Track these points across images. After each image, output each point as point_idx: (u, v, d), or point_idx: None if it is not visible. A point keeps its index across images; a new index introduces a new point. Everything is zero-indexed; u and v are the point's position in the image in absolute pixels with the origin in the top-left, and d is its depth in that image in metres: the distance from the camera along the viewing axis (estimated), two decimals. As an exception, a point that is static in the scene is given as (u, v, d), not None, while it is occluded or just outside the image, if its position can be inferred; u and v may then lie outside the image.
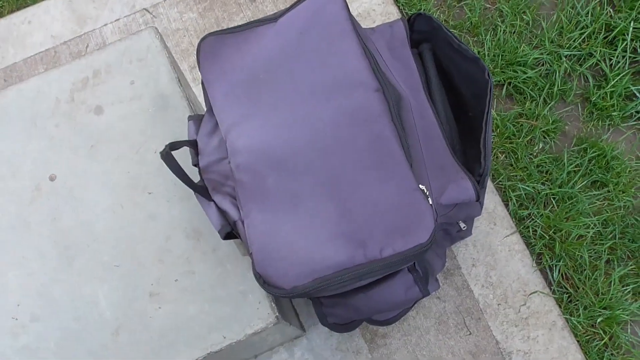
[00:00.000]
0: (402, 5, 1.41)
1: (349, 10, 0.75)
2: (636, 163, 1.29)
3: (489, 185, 1.23)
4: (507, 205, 1.24)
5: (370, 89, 0.70)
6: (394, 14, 1.38)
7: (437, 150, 0.78)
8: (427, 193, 0.69)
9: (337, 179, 0.67)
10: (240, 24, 1.36)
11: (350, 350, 1.12)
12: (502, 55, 1.35)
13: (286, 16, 0.75)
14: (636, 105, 1.31)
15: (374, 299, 0.78)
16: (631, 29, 1.32)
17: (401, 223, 0.66)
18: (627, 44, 1.33)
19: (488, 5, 1.43)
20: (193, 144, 0.73)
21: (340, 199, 0.67)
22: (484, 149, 0.77)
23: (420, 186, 0.68)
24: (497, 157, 1.28)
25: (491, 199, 1.22)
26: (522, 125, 1.30)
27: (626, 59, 1.33)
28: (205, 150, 0.73)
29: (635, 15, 1.33)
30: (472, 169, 0.87)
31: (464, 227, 1.11)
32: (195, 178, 0.74)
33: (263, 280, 0.65)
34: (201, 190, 0.68)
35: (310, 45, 0.73)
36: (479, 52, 1.37)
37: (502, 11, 1.41)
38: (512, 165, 1.27)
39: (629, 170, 1.28)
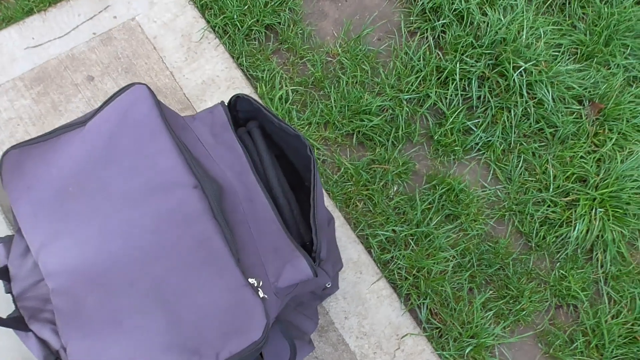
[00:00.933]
0: (245, 68, 1.42)
1: (159, 106, 0.74)
2: (482, 191, 1.38)
3: (350, 235, 1.26)
4: (370, 252, 1.27)
5: (188, 187, 0.69)
6: (238, 77, 1.39)
7: (271, 233, 0.78)
8: (259, 285, 0.68)
9: (162, 286, 0.65)
10: (78, 105, 1.31)
11: None
12: (348, 106, 1.41)
13: (94, 120, 0.73)
14: (474, 138, 1.42)
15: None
16: (458, 69, 1.43)
17: (233, 323, 0.65)
18: (456, 83, 1.43)
19: (329, 59, 1.48)
20: (3, 271, 0.68)
21: (168, 307, 0.65)
22: (314, 225, 0.79)
23: (251, 280, 0.68)
24: (355, 206, 1.32)
25: (354, 248, 1.25)
26: (375, 170, 1.36)
27: (459, 97, 1.44)
28: (18, 274, 0.68)
29: (460, 57, 1.44)
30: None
31: (329, 284, 1.13)
32: (11, 306, 0.68)
33: None
34: (13, 324, 0.63)
35: (121, 150, 0.70)
36: (326, 106, 1.41)
37: (342, 63, 1.47)
38: (370, 211, 1.31)
39: (477, 200, 1.37)
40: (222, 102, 0.86)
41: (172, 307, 0.65)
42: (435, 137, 1.41)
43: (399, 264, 1.26)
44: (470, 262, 1.30)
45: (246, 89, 1.38)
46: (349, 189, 1.32)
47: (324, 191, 1.13)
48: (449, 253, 1.29)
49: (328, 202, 1.29)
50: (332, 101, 1.41)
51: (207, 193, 0.70)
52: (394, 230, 1.29)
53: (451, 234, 1.32)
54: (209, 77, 1.38)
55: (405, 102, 1.43)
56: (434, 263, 1.26)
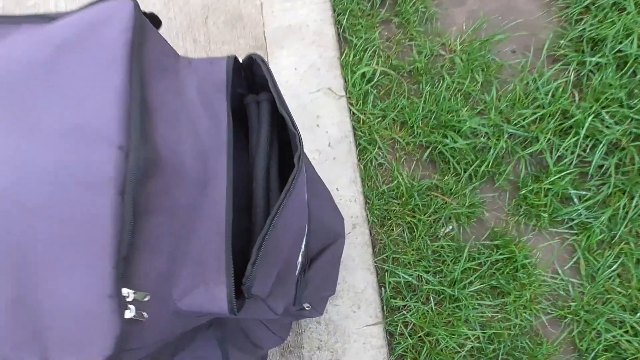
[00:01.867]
0: (342, 27, 1.21)
1: (136, 33, 0.57)
2: (551, 278, 1.09)
3: (366, 260, 1.05)
4: (381, 289, 1.05)
5: (112, 145, 0.52)
6: (328, 35, 1.19)
7: (206, 237, 0.59)
8: (139, 300, 0.51)
9: (25, 249, 0.50)
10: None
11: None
12: (437, 114, 1.16)
13: (57, 23, 0.57)
14: (572, 211, 1.11)
15: None
16: (588, 123, 1.11)
17: (79, 333, 0.49)
18: (579, 140, 1.12)
19: (442, 53, 1.23)
20: None
21: (21, 276, 0.49)
22: (255, 252, 0.59)
23: (125, 292, 0.50)
24: (391, 230, 1.09)
25: (364, 277, 1.04)
26: (432, 199, 1.11)
27: (574, 156, 1.13)
28: None
29: (598, 110, 1.12)
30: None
31: (308, 307, 0.94)
32: None
33: None
34: None
35: (65, 67, 0.54)
36: (411, 104, 1.17)
37: (454, 63, 1.21)
38: (405, 242, 1.08)
39: (539, 285, 1.08)
40: (232, 57, 0.67)
41: (25, 277, 0.49)
42: (523, 192, 1.13)
43: (407, 317, 1.03)
44: (496, 354, 1.04)
45: (331, 51, 1.17)
46: (393, 208, 1.09)
47: (331, 199, 0.92)
48: (474, 332, 1.03)
49: (359, 211, 1.08)
50: (422, 102, 1.17)
51: (131, 160, 0.53)
52: (420, 277, 1.06)
53: (487, 310, 1.06)
54: (298, 23, 1.19)
55: (506, 136, 1.15)
56: (450, 335, 1.02)
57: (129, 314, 0.50)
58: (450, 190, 1.12)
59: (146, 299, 0.52)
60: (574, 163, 1.13)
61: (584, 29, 1.20)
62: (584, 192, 1.12)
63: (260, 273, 0.62)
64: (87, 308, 0.49)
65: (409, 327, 1.03)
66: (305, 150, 1.08)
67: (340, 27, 1.21)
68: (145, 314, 0.52)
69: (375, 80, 1.18)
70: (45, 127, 0.52)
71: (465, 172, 1.14)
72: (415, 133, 1.15)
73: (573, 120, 1.13)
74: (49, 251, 0.50)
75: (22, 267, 0.49)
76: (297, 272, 0.79)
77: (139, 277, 0.53)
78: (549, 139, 1.14)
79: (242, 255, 0.68)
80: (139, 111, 0.55)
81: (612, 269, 1.08)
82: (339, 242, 0.92)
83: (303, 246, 0.79)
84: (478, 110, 1.18)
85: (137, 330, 0.53)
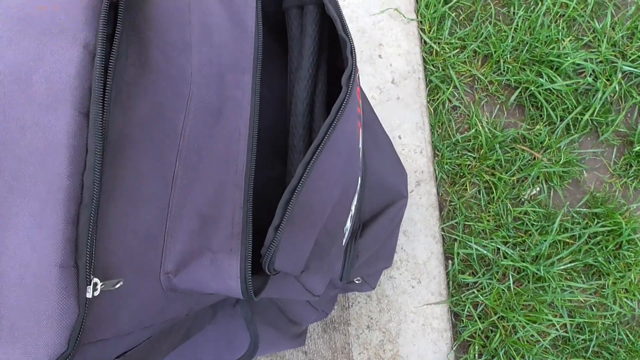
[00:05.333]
0: None
1: None
2: (663, 257, 0.87)
3: (431, 225, 0.86)
4: (447, 262, 0.87)
5: (75, 44, 0.34)
6: (397, -59, 0.94)
7: (216, 187, 0.42)
8: (84, 276, 0.34)
9: None
10: None
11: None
12: (530, 45, 0.92)
13: None
14: (699, 175, 0.87)
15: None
16: None
17: (24, 321, 0.33)
18: None
19: (542, -34, 0.97)
20: None
21: None
22: (280, 208, 0.42)
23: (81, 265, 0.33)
24: (464, 189, 0.89)
25: (427, 245, 0.85)
26: (518, 153, 0.89)
27: None
28: None
29: None
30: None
31: (358, 280, 0.77)
32: None
33: None
34: None
35: None
36: (498, 31, 0.93)
37: (557, -20, 0.95)
38: (480, 206, 0.88)
39: (647, 266, 0.87)
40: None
41: None
42: (637, 148, 0.89)
43: (478, 296, 0.84)
44: (585, 345, 0.85)
45: (400, -38, 0.94)
46: (468, 162, 0.89)
47: (393, 149, 0.72)
48: (560, 320, 0.84)
49: (425, 165, 0.87)
50: (512, 29, 0.93)
51: (97, 62, 0.35)
52: (497, 250, 0.86)
53: (578, 293, 0.86)
54: None
55: (619, 76, 0.90)
56: (529, 321, 0.83)
57: (91, 292, 0.33)
58: (541, 143, 0.90)
59: (118, 285, 0.36)
60: None
61: None
62: None
63: (288, 241, 0.45)
64: (34, 281, 0.33)
65: (479, 309, 0.85)
66: (363, 86, 0.87)
67: None
68: (118, 284, 0.35)
69: (454, 0, 0.94)
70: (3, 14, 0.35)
71: (562, 120, 0.90)
72: (502, 69, 0.92)
73: None
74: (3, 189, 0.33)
75: None
76: (344, 240, 0.60)
77: (111, 240, 0.36)
78: (678, 82, 0.88)
79: (270, 215, 0.51)
80: (132, 12, 0.36)
81: None
82: (400, 203, 0.73)
83: (354, 207, 0.60)
84: (585, 41, 0.93)
85: (107, 314, 0.37)
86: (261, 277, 0.46)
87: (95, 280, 0.34)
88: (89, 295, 0.33)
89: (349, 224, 0.59)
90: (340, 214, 0.54)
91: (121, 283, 0.36)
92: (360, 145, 0.57)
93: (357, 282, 0.76)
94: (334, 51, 0.55)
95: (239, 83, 0.44)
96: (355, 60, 0.46)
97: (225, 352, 0.68)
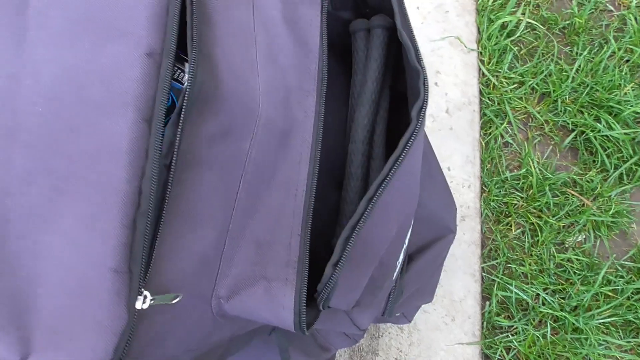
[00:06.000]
0: (485, -40, 0.94)
1: None
2: None
3: (472, 263, 0.84)
4: (483, 303, 0.85)
5: (138, 48, 0.33)
6: (465, -32, 0.92)
7: (276, 214, 0.41)
8: (137, 284, 0.32)
9: (3, 193, 0.33)
10: None
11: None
12: (591, 88, 0.89)
13: None
14: None
15: None
16: None
17: (68, 327, 0.32)
18: None
19: (609, 8, 0.94)
20: None
21: (14, 229, 0.32)
22: (341, 248, 0.40)
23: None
24: (508, 229, 0.87)
25: (465, 284, 0.83)
26: (568, 198, 0.87)
27: None
28: None
29: None
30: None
31: (397, 314, 0.75)
32: None
33: None
34: None
35: None
36: (559, 71, 0.91)
37: (625, 23, 0.92)
38: (523, 248, 0.86)
39: (689, 329, 0.84)
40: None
41: (4, 233, 0.32)
42: (691, 206, 0.87)
43: (512, 341, 0.82)
44: (615, 403, 0.82)
45: (466, -11, 0.91)
46: (515, 202, 0.87)
47: (445, 180, 0.71)
48: (594, 373, 0.82)
49: (471, 201, 0.85)
50: (574, 70, 0.90)
51: (163, 72, 0.33)
52: (537, 295, 0.84)
53: (614, 350, 0.83)
54: (428, -53, 0.93)
55: (681, 130, 0.88)
56: (562, 374, 0.81)
57: (141, 302, 0.32)
58: (593, 190, 0.87)
59: (176, 300, 0.34)
60: None
61: None
62: None
63: (345, 278, 0.43)
64: (80, 285, 0.31)
65: (511, 354, 0.82)
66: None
67: (483, -40, 0.94)
68: (176, 299, 0.34)
69: (517, 34, 0.92)
70: (60, 22, 0.33)
71: (616, 169, 0.88)
72: (559, 110, 0.90)
73: None
74: (38, 196, 0.32)
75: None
76: (394, 275, 0.58)
77: (166, 257, 0.35)
78: None
79: (323, 242, 0.49)
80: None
81: None
82: (448, 238, 0.71)
83: (407, 239, 0.58)
84: (648, 90, 0.90)
85: (156, 335, 0.36)
86: (313, 310, 0.45)
87: (146, 292, 0.33)
88: (138, 306, 0.32)
89: (401, 257, 0.57)
90: (395, 250, 0.53)
91: (180, 298, 0.35)
92: (419, 174, 0.55)
93: (395, 315, 0.74)
94: (395, 75, 0.53)
95: (302, 105, 0.42)
96: (428, 91, 0.45)
97: (254, 378, 0.67)
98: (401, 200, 0.47)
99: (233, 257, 0.39)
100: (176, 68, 0.39)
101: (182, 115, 0.33)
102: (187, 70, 0.34)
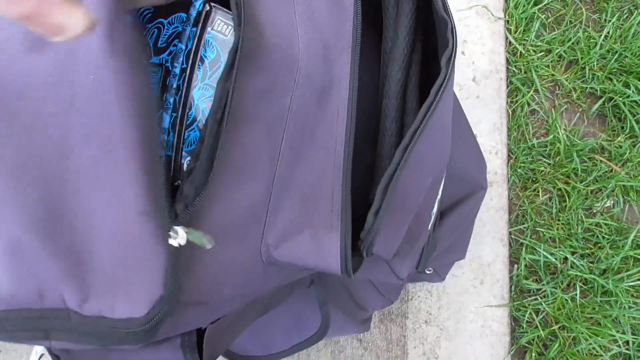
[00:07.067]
0: None
1: None
2: None
3: (500, 228, 0.85)
4: (512, 266, 0.86)
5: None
6: (491, -63, 0.93)
7: (319, 167, 0.43)
8: (166, 222, 0.35)
9: (53, 150, 0.36)
10: None
11: None
12: (620, 55, 0.89)
13: None
14: None
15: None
16: None
17: (121, 271, 0.35)
18: None
19: (639, -26, 0.93)
20: None
21: (50, 189, 0.35)
22: (379, 193, 0.42)
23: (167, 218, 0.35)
24: (535, 194, 0.88)
25: (493, 248, 0.85)
26: (596, 164, 0.88)
27: None
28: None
29: None
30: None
31: (430, 270, 0.77)
32: None
33: None
34: None
35: None
36: (588, 38, 0.91)
37: (655, -11, 0.92)
38: (550, 213, 0.87)
39: None
40: None
41: (54, 188, 0.35)
42: None
43: (541, 304, 0.84)
44: (645, 366, 0.83)
45: (492, -41, 0.92)
46: (542, 168, 0.87)
47: (475, 138, 0.72)
48: (624, 336, 0.82)
49: (499, 167, 0.87)
50: (602, 37, 0.90)
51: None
52: (565, 259, 0.85)
53: (645, 313, 0.84)
54: None
55: None
56: (591, 334, 0.82)
57: (175, 240, 0.35)
58: (621, 156, 0.88)
59: (209, 245, 0.37)
60: None
61: None
62: None
63: (386, 226, 0.45)
64: (124, 232, 0.34)
65: (540, 316, 0.84)
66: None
67: None
68: (210, 244, 0.36)
69: (545, 2, 0.92)
70: None
71: (645, 134, 0.88)
72: (587, 77, 0.90)
73: None
74: (89, 158, 0.35)
75: (49, 175, 0.35)
76: (429, 226, 0.60)
77: (215, 207, 0.37)
78: None
79: (360, 198, 0.51)
80: None
81: None
82: (479, 194, 0.72)
83: (440, 191, 0.60)
84: (678, 55, 0.90)
85: (208, 277, 0.38)
86: (357, 257, 0.47)
87: (177, 228, 0.35)
88: (172, 242, 0.34)
89: (435, 208, 0.59)
90: (429, 200, 0.55)
91: (212, 244, 0.37)
92: (450, 126, 0.57)
93: (428, 272, 0.76)
94: (427, 31, 0.55)
95: (339, 62, 0.44)
96: (456, 40, 0.46)
97: (294, 331, 0.69)
98: (434, 151, 0.49)
99: (279, 208, 0.42)
100: (219, 20, 0.41)
101: (234, 72, 0.36)
102: (232, 24, 0.37)
